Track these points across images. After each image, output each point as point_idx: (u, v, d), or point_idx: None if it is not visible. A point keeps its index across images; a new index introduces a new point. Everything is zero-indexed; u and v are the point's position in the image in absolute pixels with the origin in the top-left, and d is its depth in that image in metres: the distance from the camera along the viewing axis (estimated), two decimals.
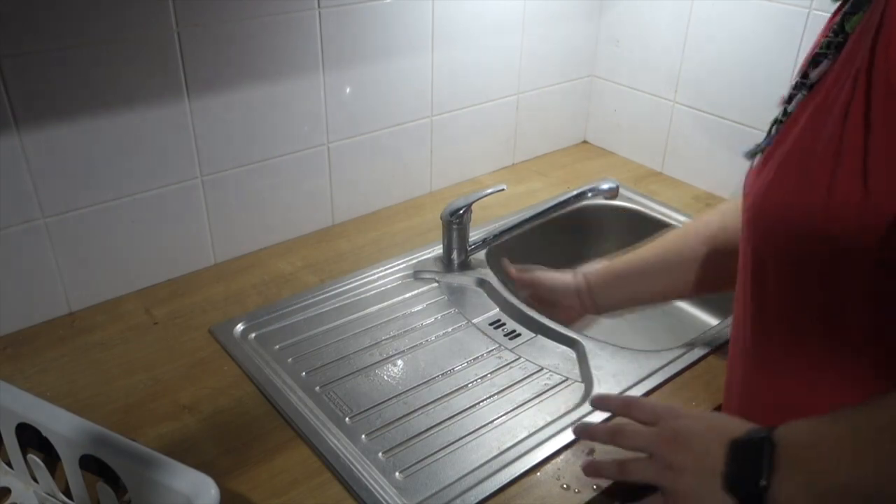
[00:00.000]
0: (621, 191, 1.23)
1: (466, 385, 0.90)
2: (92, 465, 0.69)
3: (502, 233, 1.15)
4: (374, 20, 1.13)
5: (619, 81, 1.47)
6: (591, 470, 0.69)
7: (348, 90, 1.16)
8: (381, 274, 1.10)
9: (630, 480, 0.63)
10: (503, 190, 1.10)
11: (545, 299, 1.03)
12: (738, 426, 0.58)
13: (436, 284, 1.09)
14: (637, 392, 0.88)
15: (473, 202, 1.08)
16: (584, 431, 0.72)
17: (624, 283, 0.97)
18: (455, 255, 1.12)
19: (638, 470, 0.62)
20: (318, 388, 0.89)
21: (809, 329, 0.58)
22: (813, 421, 0.52)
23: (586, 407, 0.86)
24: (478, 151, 1.40)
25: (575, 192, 1.14)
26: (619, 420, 0.69)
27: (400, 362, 0.94)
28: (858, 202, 0.49)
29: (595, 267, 1.01)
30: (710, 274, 0.89)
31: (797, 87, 0.60)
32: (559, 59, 1.44)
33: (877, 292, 0.51)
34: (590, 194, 1.14)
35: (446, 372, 0.92)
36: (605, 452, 0.79)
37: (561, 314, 1.02)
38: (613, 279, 0.98)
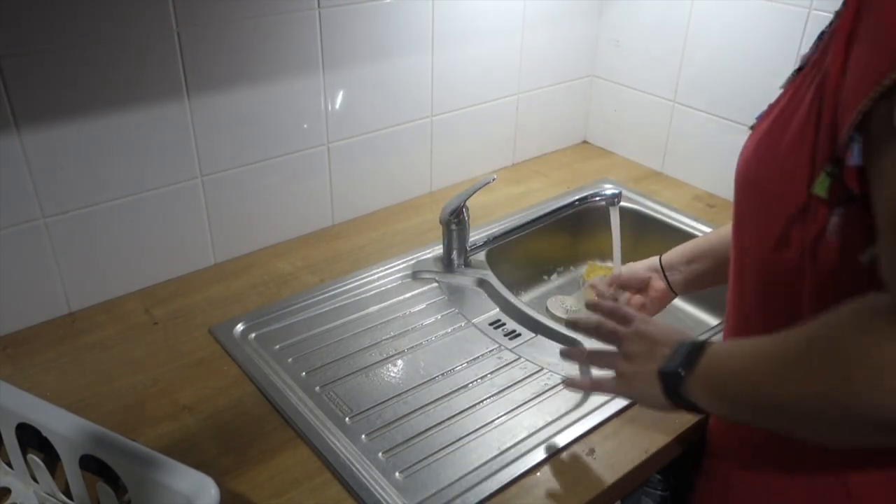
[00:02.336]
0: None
1: (466, 385, 0.90)
2: (92, 465, 0.69)
3: (502, 234, 1.15)
4: (374, 20, 1.13)
5: (619, 81, 1.47)
6: (569, 383, 0.79)
7: (348, 90, 1.16)
8: (381, 274, 1.10)
9: (601, 390, 0.76)
10: (494, 180, 1.08)
11: (632, 286, 1.03)
12: (688, 336, 0.67)
13: (436, 284, 1.09)
14: None
15: (466, 199, 1.07)
16: (568, 353, 0.81)
17: (690, 263, 0.99)
18: (455, 255, 1.11)
19: (606, 378, 0.73)
20: (318, 388, 0.89)
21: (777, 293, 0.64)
22: (740, 341, 0.60)
23: (586, 407, 0.86)
24: (478, 151, 1.40)
25: (577, 198, 1.14)
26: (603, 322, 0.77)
27: (400, 362, 0.94)
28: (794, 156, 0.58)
29: (670, 252, 1.02)
30: None
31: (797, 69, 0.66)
32: (559, 59, 1.44)
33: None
34: (595, 199, 1.14)
35: (446, 372, 0.92)
36: (605, 453, 0.79)
37: (650, 303, 1.02)
38: (682, 259, 0.99)
